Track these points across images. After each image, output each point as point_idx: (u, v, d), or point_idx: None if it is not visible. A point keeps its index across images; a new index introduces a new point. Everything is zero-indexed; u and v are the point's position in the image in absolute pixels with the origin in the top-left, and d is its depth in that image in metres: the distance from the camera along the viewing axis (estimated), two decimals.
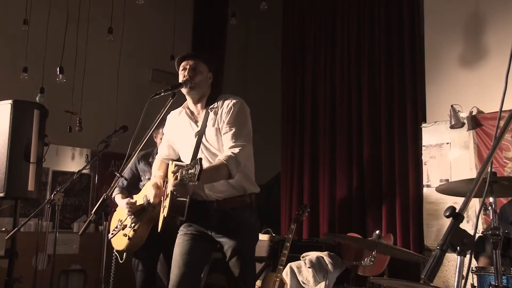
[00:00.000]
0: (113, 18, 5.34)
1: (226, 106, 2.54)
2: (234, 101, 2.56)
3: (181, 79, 2.58)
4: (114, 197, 3.45)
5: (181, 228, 2.61)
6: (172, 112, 2.77)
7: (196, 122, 2.62)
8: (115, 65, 5.85)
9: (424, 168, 4.42)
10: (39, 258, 4.24)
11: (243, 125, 2.52)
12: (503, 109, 1.40)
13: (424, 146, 4.44)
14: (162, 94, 2.44)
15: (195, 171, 2.03)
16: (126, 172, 3.57)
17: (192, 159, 2.49)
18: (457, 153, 4.21)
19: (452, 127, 4.18)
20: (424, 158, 4.43)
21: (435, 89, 4.48)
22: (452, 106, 4.15)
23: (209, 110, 2.58)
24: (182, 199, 2.39)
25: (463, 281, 1.28)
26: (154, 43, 6.39)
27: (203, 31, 6.80)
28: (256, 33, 7.23)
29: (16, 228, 3.06)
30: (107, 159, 5.90)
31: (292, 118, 5.87)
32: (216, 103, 2.59)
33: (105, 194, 2.09)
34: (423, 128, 4.47)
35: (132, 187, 3.60)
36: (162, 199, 2.65)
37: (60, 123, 5.20)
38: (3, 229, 4.73)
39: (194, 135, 2.57)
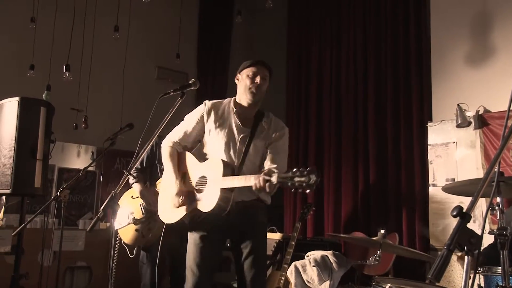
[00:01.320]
0: (119, 16, 5.36)
1: (279, 128, 2.71)
2: (286, 128, 2.75)
3: (248, 83, 2.61)
4: (132, 184, 3.46)
5: (195, 226, 2.58)
6: (215, 101, 2.73)
7: (244, 125, 2.65)
8: (120, 63, 5.87)
9: (430, 167, 4.40)
10: (45, 255, 4.26)
11: (286, 153, 2.73)
12: (511, 108, 1.40)
13: (430, 145, 4.43)
14: (172, 93, 2.44)
15: (308, 182, 2.01)
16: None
17: (241, 161, 2.55)
18: (463, 152, 4.19)
19: (458, 126, 4.16)
20: (430, 157, 4.41)
21: (441, 87, 4.46)
22: (458, 105, 4.13)
23: (260, 121, 2.68)
24: (225, 204, 2.37)
25: (470, 281, 1.27)
26: (159, 41, 6.40)
27: (208, 29, 6.80)
28: (261, 31, 7.23)
29: (23, 225, 3.07)
30: (112, 156, 5.92)
31: (297, 116, 5.86)
32: (265, 117, 2.71)
33: (113, 191, 2.09)
34: (429, 127, 4.45)
35: (148, 175, 3.60)
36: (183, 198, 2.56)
37: (66, 120, 5.22)
38: (10, 225, 4.76)
39: (241, 137, 2.61)
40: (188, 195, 2.54)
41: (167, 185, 2.65)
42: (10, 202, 4.45)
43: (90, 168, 4.12)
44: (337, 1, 5.62)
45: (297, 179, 2.04)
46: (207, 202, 2.42)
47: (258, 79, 2.63)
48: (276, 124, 2.72)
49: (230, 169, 2.43)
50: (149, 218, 3.32)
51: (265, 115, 2.73)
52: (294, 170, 2.07)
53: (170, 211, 2.61)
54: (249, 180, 2.27)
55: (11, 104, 3.33)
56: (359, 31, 5.30)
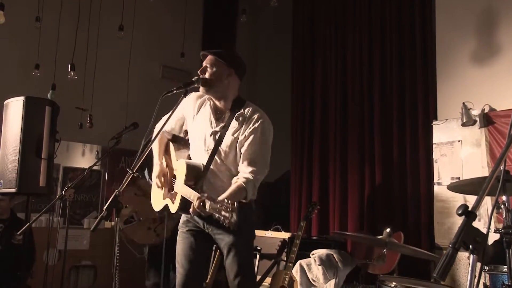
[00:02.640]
0: (123, 15, 5.37)
1: (252, 122, 2.47)
2: (261, 120, 2.48)
3: (194, 78, 2.53)
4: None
5: (180, 224, 2.63)
6: (195, 93, 2.65)
7: (217, 120, 2.55)
8: (125, 62, 5.88)
9: (435, 166, 4.38)
10: (50, 254, 4.27)
11: (264, 148, 2.48)
12: None
13: (435, 143, 4.41)
14: (175, 91, 2.42)
15: (230, 219, 1.95)
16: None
17: (207, 162, 2.47)
18: (468, 151, 4.18)
19: (463, 124, 4.14)
20: (435, 155, 4.40)
21: (446, 86, 4.44)
22: (463, 103, 4.11)
23: (234, 116, 2.50)
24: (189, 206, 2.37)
25: (476, 280, 1.26)
26: (164, 40, 6.41)
27: (213, 28, 6.81)
28: (266, 30, 7.22)
29: (28, 224, 3.09)
30: (117, 155, 5.93)
31: (302, 116, 5.85)
32: (243, 109, 2.52)
33: (116, 190, 2.09)
34: (434, 126, 4.43)
35: None
36: (164, 179, 2.60)
37: (71, 119, 5.23)
38: None
39: (210, 133, 2.52)
40: (166, 185, 2.59)
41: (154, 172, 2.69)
42: (16, 201, 4.47)
43: (95, 167, 4.12)
44: (342, 1, 5.61)
45: (223, 213, 1.99)
46: (173, 204, 2.48)
47: (203, 66, 2.54)
48: (250, 116, 2.49)
49: (194, 174, 2.38)
50: (163, 217, 3.33)
51: (244, 106, 2.54)
52: (222, 202, 2.01)
53: (156, 198, 2.67)
54: (193, 198, 2.23)
55: (17, 104, 3.35)
56: (365, 29, 5.29)
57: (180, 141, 2.73)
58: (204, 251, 2.61)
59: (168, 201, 2.55)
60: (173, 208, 2.48)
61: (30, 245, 4.01)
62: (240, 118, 2.50)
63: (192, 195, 2.26)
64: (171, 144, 2.72)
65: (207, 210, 2.09)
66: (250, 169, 2.41)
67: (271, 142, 2.54)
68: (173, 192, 2.54)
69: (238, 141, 2.47)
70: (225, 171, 2.49)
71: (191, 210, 2.26)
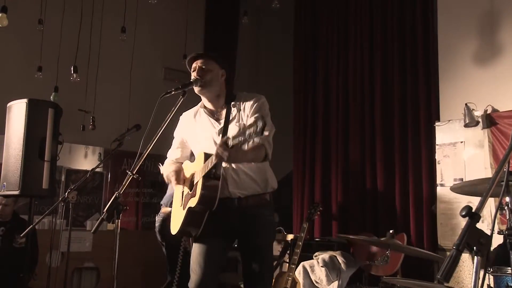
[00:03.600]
0: (126, 17, 5.38)
1: (248, 102, 2.58)
2: (255, 97, 2.61)
3: (192, 79, 2.58)
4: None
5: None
6: (185, 113, 2.76)
7: (217, 120, 2.62)
8: (128, 64, 5.88)
9: (438, 167, 4.38)
10: (53, 256, 4.28)
11: (267, 116, 2.53)
12: None
13: (437, 145, 4.40)
14: (173, 92, 2.45)
15: (257, 128, 1.92)
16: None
17: None
18: (471, 152, 4.17)
19: (466, 125, 4.13)
20: (438, 157, 4.39)
21: (449, 87, 4.43)
22: (466, 104, 4.10)
23: (231, 107, 2.59)
24: (212, 193, 2.35)
25: (480, 281, 1.26)
26: (166, 42, 6.42)
27: (215, 30, 6.81)
28: (268, 32, 7.22)
29: (31, 226, 3.09)
30: (119, 157, 5.93)
31: (304, 117, 5.85)
32: (236, 100, 2.62)
33: (117, 192, 2.10)
34: (436, 127, 4.43)
35: None
36: (180, 175, 2.60)
37: (73, 121, 5.24)
38: None
39: (217, 132, 2.56)
40: (186, 197, 2.56)
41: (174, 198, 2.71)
42: (19, 203, 4.47)
43: (97, 169, 4.15)
44: (344, 2, 5.61)
45: (247, 132, 1.97)
46: (194, 195, 2.43)
47: (196, 72, 2.59)
48: (246, 100, 2.61)
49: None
50: None
51: (236, 96, 2.65)
52: (242, 130, 2.02)
53: (175, 218, 2.65)
54: (214, 156, 2.24)
55: (20, 106, 3.36)
56: (366, 31, 5.29)
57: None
58: (222, 255, 2.61)
59: (191, 200, 2.49)
60: (195, 199, 2.40)
61: (33, 247, 4.01)
62: (237, 106, 2.60)
63: (212, 158, 2.27)
64: (185, 163, 2.74)
65: (232, 143, 2.07)
66: None
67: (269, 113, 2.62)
68: (194, 186, 2.50)
69: (244, 122, 2.52)
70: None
71: (216, 155, 2.20)
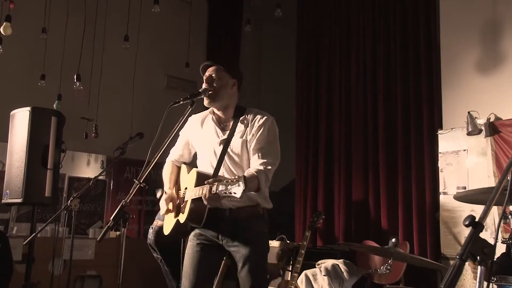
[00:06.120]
0: (129, 26, 5.41)
1: (257, 121, 2.55)
2: (265, 117, 2.57)
3: (201, 89, 2.58)
4: None
5: (191, 236, 2.60)
6: (194, 115, 2.74)
7: (223, 130, 2.61)
8: (130, 72, 5.91)
9: (441, 175, 4.36)
10: (56, 264, 4.28)
11: (273, 142, 2.54)
12: None
13: (440, 153, 4.39)
14: (182, 102, 2.45)
15: (238, 189, 1.98)
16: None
17: (216, 167, 2.51)
18: (474, 160, 4.16)
19: (469, 133, 4.13)
20: (441, 165, 4.38)
21: (451, 95, 4.44)
22: (469, 112, 4.10)
23: (238, 121, 2.58)
24: (200, 214, 2.38)
25: None
26: (169, 50, 6.44)
27: (217, 38, 6.84)
28: (270, 39, 7.24)
29: (34, 234, 3.09)
30: (122, 165, 5.94)
31: (307, 123, 5.85)
32: (245, 115, 2.60)
33: (123, 201, 2.10)
34: (439, 135, 4.42)
35: None
36: (172, 203, 2.61)
37: (76, 129, 5.26)
38: (21, 234, 4.79)
39: (219, 143, 2.56)
40: (178, 206, 2.59)
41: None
42: (21, 211, 4.48)
43: (100, 177, 4.14)
44: (346, 9, 5.63)
45: (229, 186, 2.00)
46: (183, 213, 2.46)
47: (205, 81, 2.59)
48: (254, 118, 2.57)
49: (204, 178, 2.37)
50: None
51: (246, 111, 2.62)
52: (229, 178, 2.05)
53: (168, 221, 2.67)
54: (204, 190, 2.24)
55: (23, 114, 3.37)
56: (369, 39, 5.30)
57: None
58: (213, 265, 2.62)
59: (180, 216, 2.53)
60: (182, 218, 2.45)
61: (8, 255, 3.90)
62: (245, 121, 2.58)
63: (203, 189, 2.25)
64: (183, 167, 2.75)
65: (216, 191, 2.07)
66: (260, 161, 2.44)
67: (278, 137, 2.60)
68: (184, 202, 2.53)
69: (247, 141, 2.52)
70: (234, 174, 2.49)
71: (205, 201, 2.24)
